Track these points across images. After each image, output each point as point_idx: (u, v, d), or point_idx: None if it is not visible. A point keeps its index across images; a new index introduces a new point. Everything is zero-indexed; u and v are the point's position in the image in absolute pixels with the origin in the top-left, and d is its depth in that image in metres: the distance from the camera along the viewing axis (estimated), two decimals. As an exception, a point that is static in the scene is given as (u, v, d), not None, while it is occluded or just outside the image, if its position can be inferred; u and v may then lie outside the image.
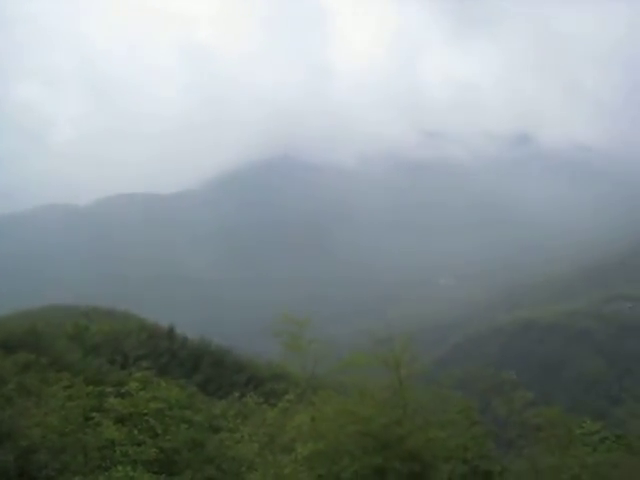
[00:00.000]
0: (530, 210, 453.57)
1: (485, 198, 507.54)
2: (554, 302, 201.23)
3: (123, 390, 17.39)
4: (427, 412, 12.64)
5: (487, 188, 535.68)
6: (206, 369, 75.19)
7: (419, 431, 11.60)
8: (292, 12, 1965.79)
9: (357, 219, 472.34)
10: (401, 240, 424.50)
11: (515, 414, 10.90)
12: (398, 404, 12.23)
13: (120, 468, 13.59)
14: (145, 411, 15.77)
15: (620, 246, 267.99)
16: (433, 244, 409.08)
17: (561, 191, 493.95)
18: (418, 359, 13.24)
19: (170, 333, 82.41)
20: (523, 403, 10.95)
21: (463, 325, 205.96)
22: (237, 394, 21.36)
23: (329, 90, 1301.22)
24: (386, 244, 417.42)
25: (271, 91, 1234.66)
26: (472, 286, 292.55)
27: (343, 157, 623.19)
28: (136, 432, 15.29)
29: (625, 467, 11.42)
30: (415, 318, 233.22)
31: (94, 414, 16.39)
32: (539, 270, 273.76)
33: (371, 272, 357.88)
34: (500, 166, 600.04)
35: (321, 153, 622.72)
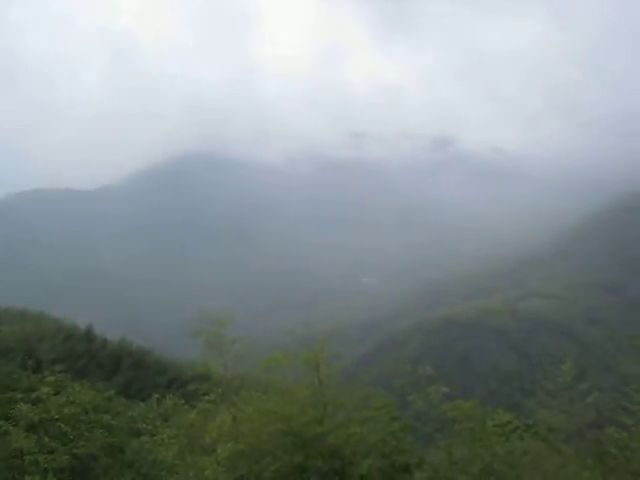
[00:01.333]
0: (449, 210, 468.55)
1: (406, 198, 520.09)
2: (472, 300, 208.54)
3: (34, 396, 16.45)
4: (348, 409, 12.81)
5: (408, 188, 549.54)
6: (127, 371, 72.82)
7: (339, 428, 11.75)
8: (222, 8, 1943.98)
9: (282, 218, 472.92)
10: (325, 239, 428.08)
11: (432, 408, 11.23)
12: (319, 402, 12.32)
13: (29, 478, 12.92)
14: (57, 417, 15.02)
15: (533, 246, 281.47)
16: (356, 243, 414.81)
17: (479, 192, 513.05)
18: (339, 357, 13.37)
19: (88, 334, 79.16)
20: (439, 397, 11.30)
21: (385, 323, 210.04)
22: (157, 396, 20.83)
23: (258, 88, 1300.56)
24: (310, 243, 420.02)
25: (199, 86, 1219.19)
26: (394, 284, 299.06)
27: (269, 154, 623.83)
28: (47, 439, 14.56)
29: (533, 453, 12.07)
30: (338, 316, 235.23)
31: (1, 423, 15.48)
32: (458, 269, 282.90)
33: (295, 271, 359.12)
34: (421, 167, 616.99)
35: (248, 150, 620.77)
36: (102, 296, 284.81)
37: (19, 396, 17.47)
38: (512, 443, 12.08)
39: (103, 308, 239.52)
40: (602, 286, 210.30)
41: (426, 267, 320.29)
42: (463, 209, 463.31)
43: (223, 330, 13.47)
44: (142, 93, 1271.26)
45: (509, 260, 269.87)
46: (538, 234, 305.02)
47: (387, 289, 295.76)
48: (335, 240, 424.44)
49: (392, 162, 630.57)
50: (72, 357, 67.66)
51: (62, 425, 14.95)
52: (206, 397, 14.28)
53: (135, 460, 17.13)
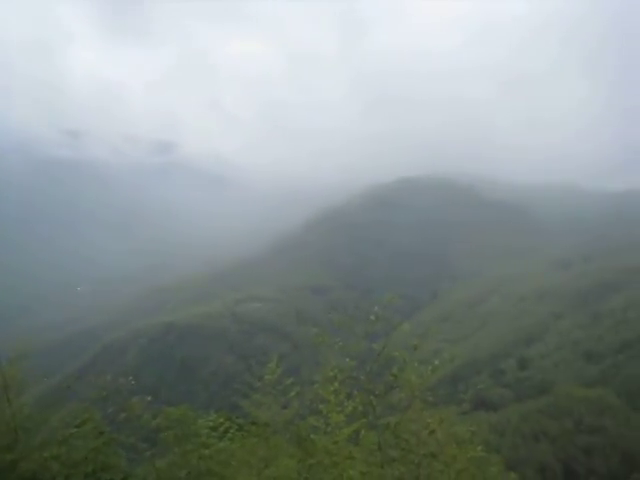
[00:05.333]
0: (172, 215, 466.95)
1: (128, 202, 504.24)
2: (193, 304, 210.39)
3: None
4: (47, 430, 11.77)
5: (130, 192, 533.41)
6: None
7: (35, 452, 10.74)
8: None
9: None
10: (38, 243, 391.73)
11: (135, 419, 10.98)
12: (9, 427, 11.08)
13: None
14: None
15: (251, 251, 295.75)
16: (73, 248, 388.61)
17: (202, 198, 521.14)
18: (49, 373, 12.25)
19: None
20: (142, 407, 11.11)
21: (103, 332, 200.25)
22: None
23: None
24: (20, 247, 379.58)
25: None
26: (112, 291, 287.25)
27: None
28: None
29: (246, 449, 12.62)
30: (53, 328, 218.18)
31: None
32: (179, 273, 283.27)
33: (2, 278, 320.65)
34: (143, 171, 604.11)
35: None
36: None
37: None
38: (225, 443, 12.47)
39: None
40: (311, 288, 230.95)
41: (147, 272, 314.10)
42: (185, 214, 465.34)
43: None
44: None
45: (229, 264, 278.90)
46: (256, 240, 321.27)
47: (105, 296, 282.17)
48: (49, 245, 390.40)
49: (113, 163, 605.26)
50: None
51: None
52: None
53: None
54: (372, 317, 10.14)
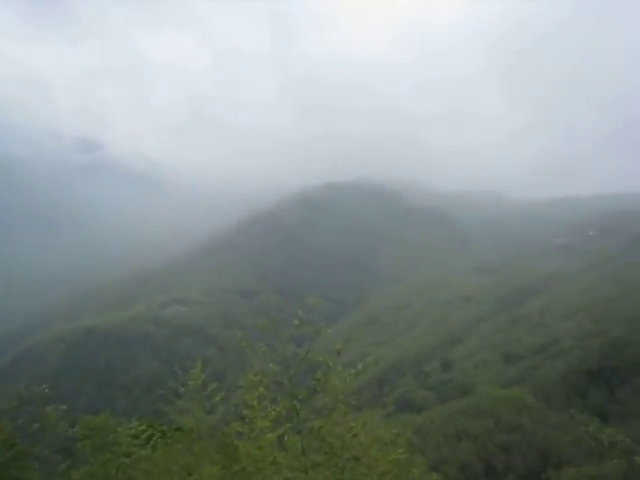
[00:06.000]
0: (95, 215, 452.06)
1: (49, 200, 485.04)
2: (117, 307, 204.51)
3: None
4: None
5: (52, 190, 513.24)
6: None
7: None
8: None
9: None
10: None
11: (49, 429, 10.50)
12: None
13: None
14: None
15: (177, 253, 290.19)
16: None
17: (127, 198, 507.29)
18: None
19: None
20: (57, 416, 10.64)
21: (20, 337, 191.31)
22: None
23: None
24: None
25: None
26: (29, 294, 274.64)
27: None
28: None
29: (169, 456, 12.36)
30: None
31: None
32: (102, 276, 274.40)
33: None
34: (66, 169, 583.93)
35: None
36: None
37: None
38: (147, 451, 12.15)
39: None
40: (238, 292, 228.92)
41: (68, 274, 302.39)
42: (110, 214, 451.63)
43: None
44: None
45: (155, 266, 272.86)
46: (182, 241, 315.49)
47: (23, 299, 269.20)
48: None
49: (33, 160, 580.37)
50: None
51: None
52: None
53: None
54: (296, 321, 10.14)
